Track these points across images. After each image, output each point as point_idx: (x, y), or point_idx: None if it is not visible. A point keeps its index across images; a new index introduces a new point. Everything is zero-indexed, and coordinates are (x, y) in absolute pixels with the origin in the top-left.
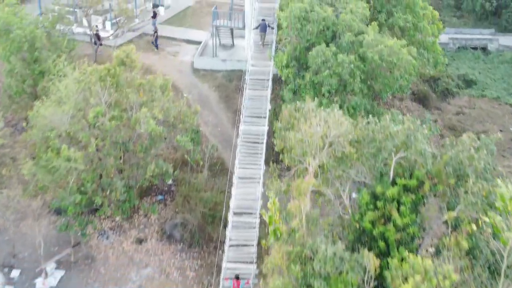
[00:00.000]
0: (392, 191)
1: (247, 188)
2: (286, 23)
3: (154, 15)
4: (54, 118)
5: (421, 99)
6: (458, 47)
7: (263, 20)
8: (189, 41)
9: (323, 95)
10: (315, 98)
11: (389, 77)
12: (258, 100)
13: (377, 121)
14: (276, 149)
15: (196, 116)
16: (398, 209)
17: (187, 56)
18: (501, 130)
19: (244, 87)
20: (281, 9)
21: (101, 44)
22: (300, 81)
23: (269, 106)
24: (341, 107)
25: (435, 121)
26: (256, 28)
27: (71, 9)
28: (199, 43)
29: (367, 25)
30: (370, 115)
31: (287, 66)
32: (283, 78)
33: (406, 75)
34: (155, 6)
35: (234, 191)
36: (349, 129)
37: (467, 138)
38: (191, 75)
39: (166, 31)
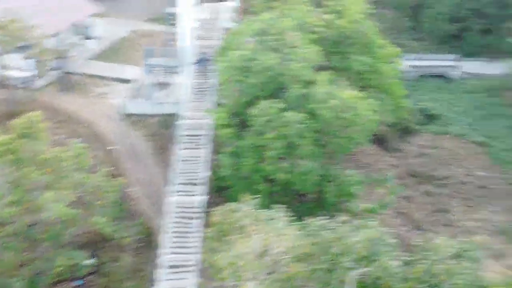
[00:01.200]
0: None
1: (178, 280)
2: (225, 75)
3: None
4: None
5: (380, 141)
6: (419, 75)
7: (202, 53)
8: (121, 80)
9: (268, 159)
10: (258, 163)
11: (344, 137)
12: (193, 162)
13: (330, 226)
14: (204, 264)
15: (118, 189)
16: None
17: (118, 98)
18: (467, 174)
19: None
20: (220, 52)
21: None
22: (241, 142)
23: (206, 172)
24: (290, 172)
25: (396, 166)
26: (196, 63)
27: None
28: (132, 81)
29: (319, 72)
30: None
31: (226, 125)
32: (221, 139)
33: (365, 132)
34: (86, 38)
35: (161, 285)
36: (295, 243)
37: (443, 242)
38: (121, 122)
39: (95, 69)
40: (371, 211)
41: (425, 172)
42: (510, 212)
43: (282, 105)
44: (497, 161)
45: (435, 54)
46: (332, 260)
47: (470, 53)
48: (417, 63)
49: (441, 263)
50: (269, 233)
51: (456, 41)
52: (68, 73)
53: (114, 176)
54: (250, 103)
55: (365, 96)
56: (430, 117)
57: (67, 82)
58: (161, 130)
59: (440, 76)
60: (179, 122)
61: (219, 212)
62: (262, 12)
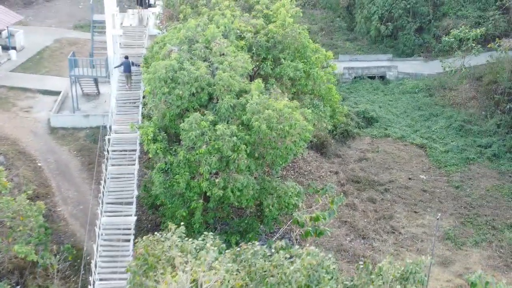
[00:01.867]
0: None
1: None
2: (150, 86)
3: None
4: None
5: (319, 147)
6: (355, 77)
7: (126, 58)
8: (46, 92)
9: (202, 174)
10: (192, 179)
11: (281, 148)
12: (123, 179)
13: (265, 251)
14: None
15: (40, 215)
16: None
17: (43, 111)
18: (410, 178)
19: (105, 160)
20: (145, 62)
21: None
22: (172, 158)
23: (136, 191)
24: (224, 188)
25: (336, 172)
26: (119, 66)
27: None
28: (58, 93)
29: (251, 79)
30: (257, 243)
31: (154, 140)
32: (150, 155)
33: (301, 142)
34: (6, 48)
35: None
36: (227, 275)
37: (388, 265)
38: (47, 137)
39: (17, 81)
40: (318, 219)
41: (367, 177)
42: (454, 216)
43: (212, 117)
44: (437, 163)
45: (369, 54)
46: None
47: (405, 53)
48: (351, 64)
49: None
50: (198, 266)
51: (390, 41)
52: None
53: (40, 195)
54: (179, 116)
55: (297, 105)
56: (369, 120)
57: None
58: (90, 144)
59: (376, 77)
60: (107, 136)
61: (143, 244)
62: (189, 19)
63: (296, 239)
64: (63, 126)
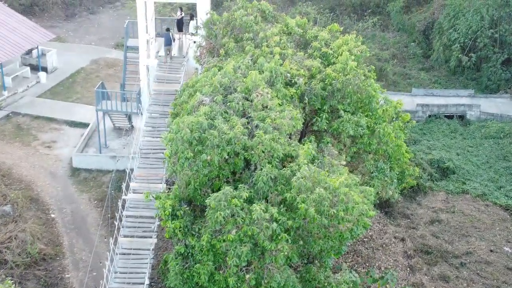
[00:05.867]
0: None
1: None
2: (170, 149)
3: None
4: None
5: (383, 205)
6: (429, 116)
7: (167, 30)
8: (73, 124)
9: (231, 267)
10: (217, 269)
11: (332, 237)
12: (135, 257)
13: None
14: None
15: None
16: None
17: (66, 147)
18: (491, 251)
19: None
20: (173, 109)
21: None
22: (193, 241)
23: (147, 280)
24: (258, 285)
25: (403, 239)
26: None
27: None
28: (86, 125)
29: (301, 136)
30: None
31: (173, 215)
32: (166, 236)
33: (359, 229)
34: (37, 69)
35: None
36: None
37: None
38: (66, 181)
39: (43, 108)
40: None
41: (439, 247)
42: None
43: (247, 193)
44: None
45: (447, 89)
46: None
47: (489, 88)
48: (426, 100)
49: None
50: None
51: (472, 73)
52: (10, 114)
53: (47, 256)
54: (208, 184)
55: (357, 182)
56: (444, 171)
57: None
58: (114, 193)
59: (454, 117)
60: (123, 196)
61: None
62: (230, 55)
63: None
64: (87, 167)
